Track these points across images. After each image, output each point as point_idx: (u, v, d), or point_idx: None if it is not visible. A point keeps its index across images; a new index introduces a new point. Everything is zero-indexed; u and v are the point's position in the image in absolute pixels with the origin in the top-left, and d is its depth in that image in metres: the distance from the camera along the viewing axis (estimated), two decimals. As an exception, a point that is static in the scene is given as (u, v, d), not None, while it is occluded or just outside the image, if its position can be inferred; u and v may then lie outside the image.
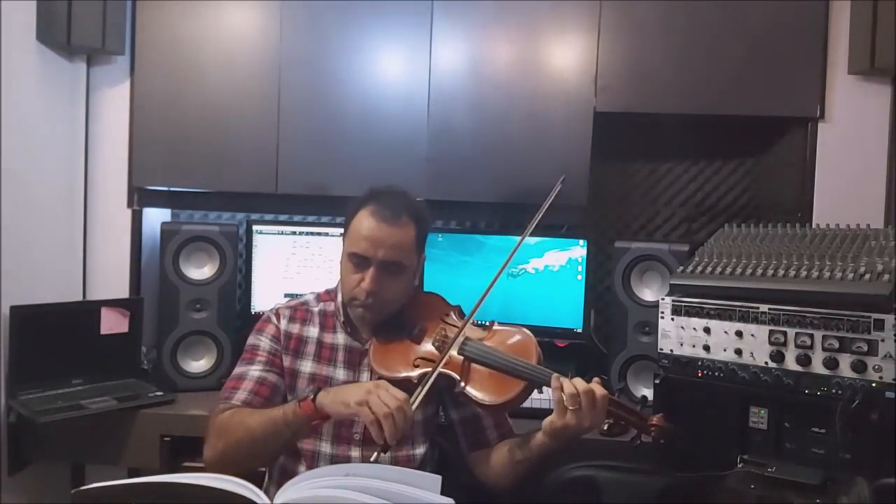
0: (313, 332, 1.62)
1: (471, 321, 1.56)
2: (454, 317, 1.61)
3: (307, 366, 1.59)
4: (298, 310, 1.65)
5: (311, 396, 1.38)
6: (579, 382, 1.38)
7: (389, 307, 1.56)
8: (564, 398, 1.36)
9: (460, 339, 1.51)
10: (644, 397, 1.52)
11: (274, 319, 1.63)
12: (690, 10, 2.12)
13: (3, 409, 1.94)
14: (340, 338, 1.61)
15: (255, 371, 1.57)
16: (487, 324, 1.59)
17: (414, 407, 1.38)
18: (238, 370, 1.59)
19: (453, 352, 1.50)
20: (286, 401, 1.60)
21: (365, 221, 1.52)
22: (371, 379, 1.56)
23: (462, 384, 1.47)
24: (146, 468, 1.90)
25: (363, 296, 1.52)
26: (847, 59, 2.10)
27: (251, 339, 1.63)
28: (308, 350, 1.60)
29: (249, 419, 1.45)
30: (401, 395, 1.32)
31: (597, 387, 1.38)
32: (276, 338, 1.61)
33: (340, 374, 1.58)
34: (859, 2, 2.05)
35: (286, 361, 1.60)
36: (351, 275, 1.54)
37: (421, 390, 1.42)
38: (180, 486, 1.06)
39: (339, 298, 1.63)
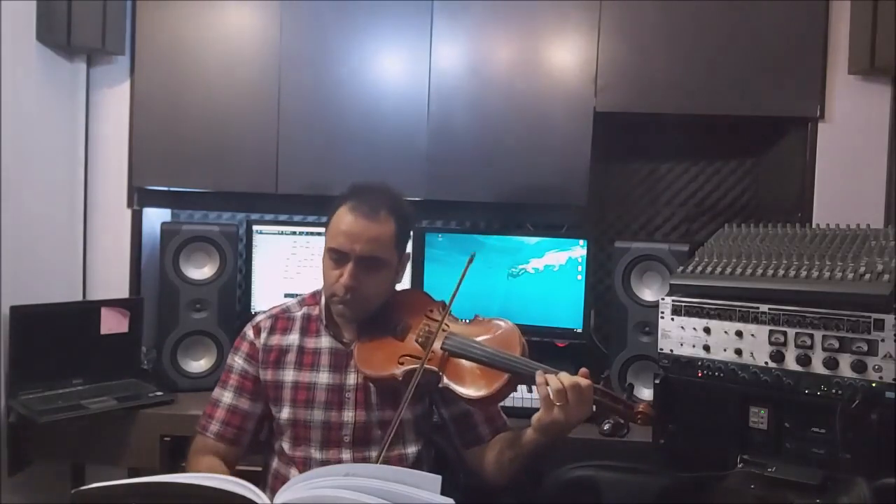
0: (294, 339, 1.60)
1: (453, 316, 1.56)
2: (438, 312, 1.59)
3: (289, 375, 1.58)
4: (279, 318, 1.63)
5: None
6: (565, 377, 1.38)
7: (369, 303, 1.55)
8: (551, 394, 1.36)
9: (442, 333, 1.50)
10: (630, 385, 1.52)
11: (250, 335, 1.62)
12: (690, 11, 2.12)
13: (3, 409, 1.94)
14: (324, 341, 1.60)
15: (227, 398, 1.59)
16: (473, 318, 1.59)
17: (403, 407, 1.41)
18: (215, 393, 1.62)
19: (436, 346, 1.49)
20: (262, 425, 1.61)
21: (344, 217, 1.52)
22: (357, 380, 1.56)
23: (444, 379, 1.47)
24: (146, 468, 1.90)
25: (342, 291, 1.51)
26: (847, 59, 2.10)
27: (228, 358, 1.64)
28: (289, 359, 1.59)
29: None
30: None
31: (581, 379, 1.38)
32: (250, 356, 1.61)
33: (324, 377, 1.57)
34: (859, 2, 2.05)
35: (267, 375, 1.59)
36: (330, 271, 1.53)
37: (410, 391, 1.42)
38: (180, 486, 1.06)
39: (323, 300, 1.62)
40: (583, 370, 1.41)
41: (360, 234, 1.50)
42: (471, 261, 1.56)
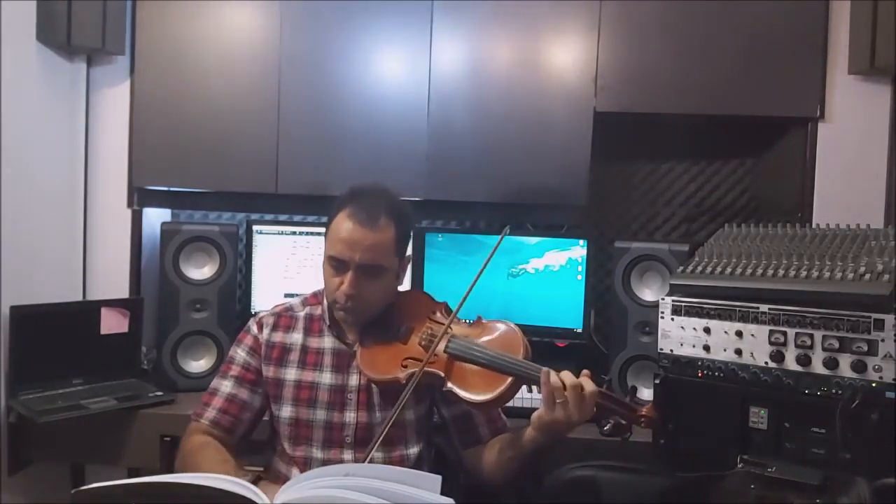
0: (297, 338, 1.60)
1: (457, 318, 1.55)
2: (441, 314, 1.59)
3: (291, 373, 1.58)
4: (283, 316, 1.63)
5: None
6: (567, 376, 1.38)
7: (370, 309, 1.55)
8: (553, 391, 1.37)
9: (445, 336, 1.50)
10: (633, 387, 1.52)
11: (254, 329, 1.62)
12: (690, 10, 2.13)
13: (3, 409, 1.94)
14: (327, 341, 1.60)
15: (226, 387, 1.59)
16: (475, 320, 1.59)
17: (398, 409, 1.41)
18: (213, 383, 1.61)
19: (439, 349, 1.49)
20: (260, 416, 1.61)
21: (342, 224, 1.50)
22: (359, 381, 1.56)
23: (448, 382, 1.46)
24: (146, 468, 1.90)
25: (343, 299, 1.50)
26: (847, 59, 2.10)
27: (231, 350, 1.64)
28: (292, 357, 1.59)
29: (206, 465, 1.45)
30: None
31: (586, 381, 1.39)
32: (253, 350, 1.60)
33: (327, 378, 1.57)
34: (859, 2, 2.05)
35: (269, 371, 1.59)
36: (331, 278, 1.53)
37: (405, 393, 1.42)
38: (180, 486, 1.06)
39: (326, 301, 1.61)
40: (585, 372, 1.41)
41: (359, 242, 1.48)
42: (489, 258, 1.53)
